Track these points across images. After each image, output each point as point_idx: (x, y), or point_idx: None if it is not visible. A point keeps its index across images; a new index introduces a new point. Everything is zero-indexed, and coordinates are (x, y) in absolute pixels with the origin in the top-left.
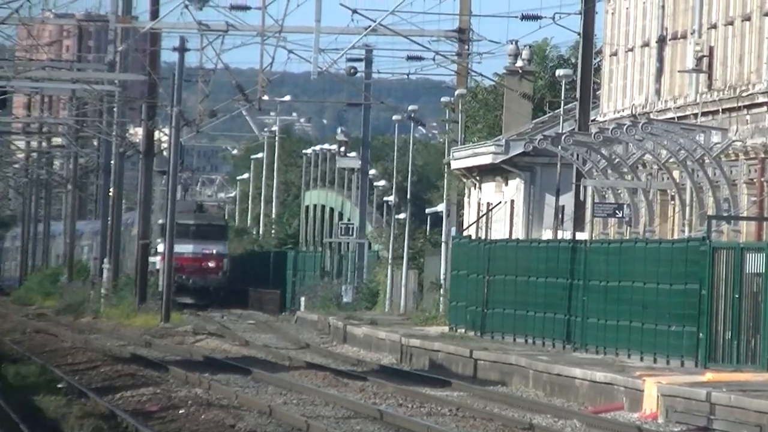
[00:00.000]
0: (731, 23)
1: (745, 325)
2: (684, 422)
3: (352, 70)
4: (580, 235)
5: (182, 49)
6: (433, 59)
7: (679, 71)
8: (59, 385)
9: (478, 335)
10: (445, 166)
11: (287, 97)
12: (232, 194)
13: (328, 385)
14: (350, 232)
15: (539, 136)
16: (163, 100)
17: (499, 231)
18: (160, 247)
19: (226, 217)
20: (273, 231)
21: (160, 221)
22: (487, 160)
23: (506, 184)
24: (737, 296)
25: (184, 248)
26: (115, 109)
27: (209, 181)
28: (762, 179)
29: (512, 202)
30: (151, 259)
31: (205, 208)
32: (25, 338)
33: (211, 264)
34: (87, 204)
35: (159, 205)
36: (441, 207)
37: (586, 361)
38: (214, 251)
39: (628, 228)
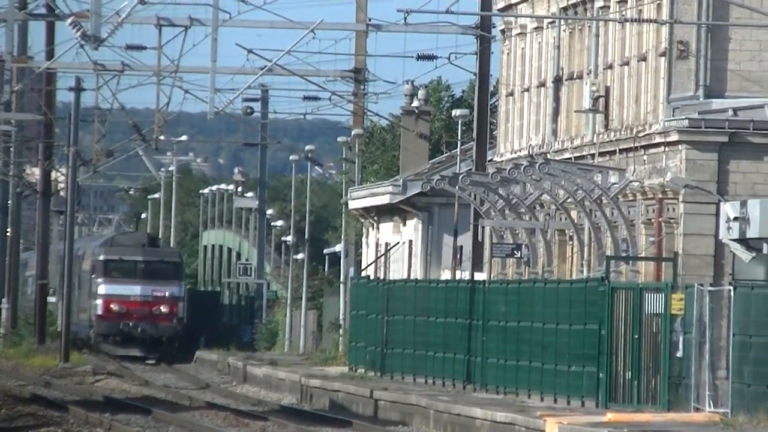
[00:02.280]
0: (627, 63)
1: (645, 365)
2: None
3: (248, 110)
4: (479, 276)
5: (78, 89)
6: (330, 99)
7: (575, 111)
8: None
9: (378, 375)
10: (343, 206)
11: (184, 137)
12: None
13: (228, 425)
14: (248, 272)
15: (436, 176)
16: (60, 140)
17: (397, 271)
18: (102, 289)
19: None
20: None
21: (101, 257)
22: (384, 200)
23: (404, 224)
24: (637, 336)
25: (131, 290)
26: (11, 149)
27: (106, 221)
28: (660, 219)
29: (410, 242)
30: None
31: (159, 242)
32: None
33: (164, 309)
34: None
35: (101, 241)
36: (339, 247)
37: (486, 401)
38: (167, 293)
39: (527, 268)
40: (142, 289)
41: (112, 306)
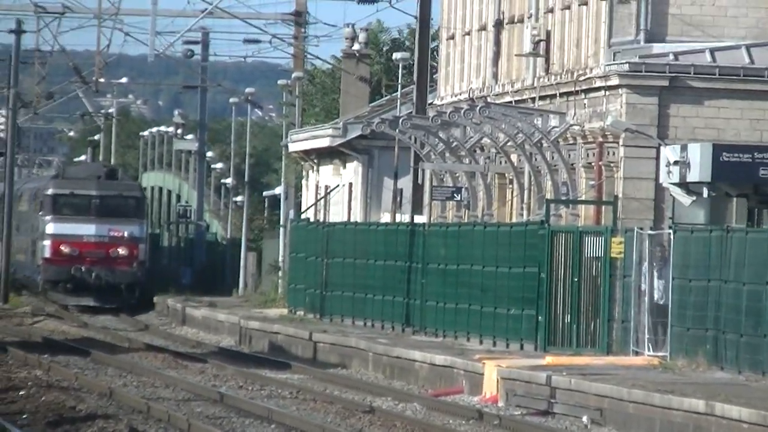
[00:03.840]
0: (568, 7)
1: (585, 308)
2: (524, 406)
3: (188, 53)
4: (419, 219)
5: (18, 31)
6: (270, 42)
7: (516, 55)
8: None
9: (317, 318)
10: (283, 149)
11: (124, 79)
12: None
13: (167, 367)
14: (188, 214)
15: (377, 119)
16: (0, 82)
17: (337, 214)
18: (50, 228)
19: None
20: None
21: (50, 191)
22: (324, 143)
23: (344, 167)
24: (576, 280)
25: (84, 229)
26: None
27: (46, 163)
28: (600, 163)
29: (350, 185)
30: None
31: (119, 174)
32: None
33: (122, 251)
34: None
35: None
36: (279, 190)
37: (425, 344)
38: (126, 234)
39: (467, 211)
40: (97, 228)
41: (61, 248)
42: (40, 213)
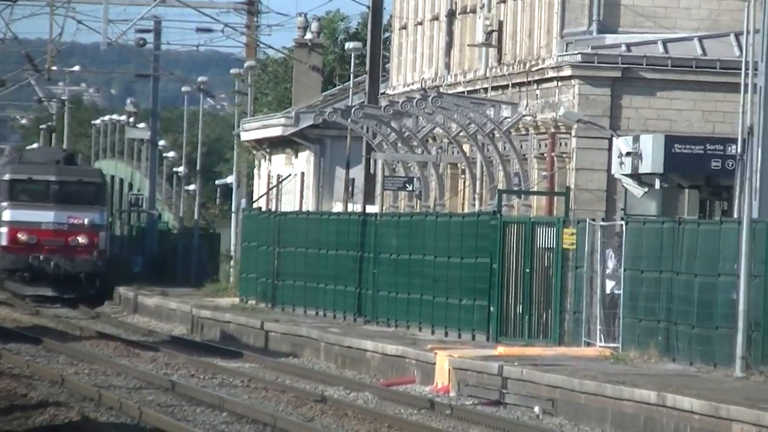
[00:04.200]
0: None
1: (537, 299)
2: (476, 396)
3: (141, 41)
4: (371, 208)
5: None
6: (222, 31)
7: (468, 45)
8: None
9: (269, 307)
10: (235, 138)
11: (76, 67)
12: None
13: (119, 355)
14: (140, 203)
15: (329, 108)
16: None
17: (289, 203)
18: (6, 215)
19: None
20: None
21: (6, 176)
22: (277, 132)
23: (296, 157)
24: (528, 270)
25: (42, 216)
26: None
27: None
28: (552, 154)
29: (302, 174)
30: None
31: (77, 159)
32: None
33: (82, 239)
34: None
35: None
36: (231, 179)
37: (377, 333)
38: (86, 221)
39: (419, 201)
40: (56, 215)
41: (18, 235)
42: None
